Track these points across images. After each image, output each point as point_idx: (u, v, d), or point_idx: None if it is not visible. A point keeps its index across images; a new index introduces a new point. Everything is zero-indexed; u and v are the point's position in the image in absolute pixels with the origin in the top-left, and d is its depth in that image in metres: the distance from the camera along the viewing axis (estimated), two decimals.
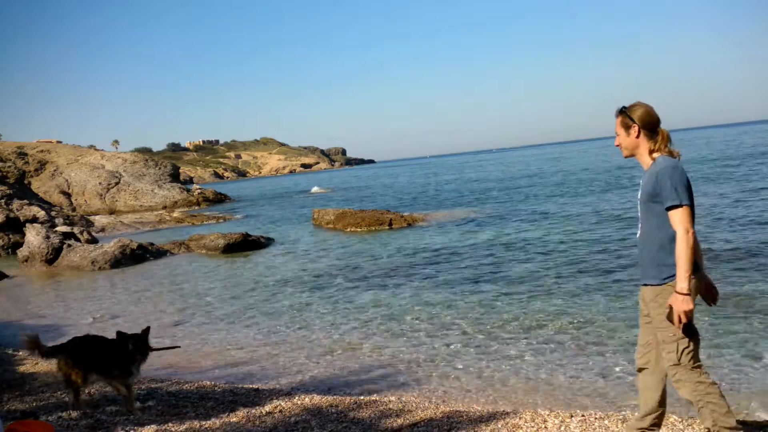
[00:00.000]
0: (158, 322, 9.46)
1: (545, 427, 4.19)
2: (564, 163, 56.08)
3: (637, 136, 3.23)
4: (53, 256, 17.46)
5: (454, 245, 14.44)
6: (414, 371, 6.30)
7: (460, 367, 6.29)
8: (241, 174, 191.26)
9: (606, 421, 4.24)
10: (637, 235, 3.32)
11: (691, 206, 3.07)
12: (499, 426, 4.31)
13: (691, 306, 3.00)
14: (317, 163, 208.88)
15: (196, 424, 4.60)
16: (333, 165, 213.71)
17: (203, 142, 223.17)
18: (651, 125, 3.21)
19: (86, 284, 14.21)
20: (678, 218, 3.02)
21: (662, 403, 3.36)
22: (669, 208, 3.05)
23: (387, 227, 19.18)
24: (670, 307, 3.05)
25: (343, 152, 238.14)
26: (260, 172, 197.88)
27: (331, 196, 43.95)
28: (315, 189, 54.57)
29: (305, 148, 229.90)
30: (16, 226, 23.22)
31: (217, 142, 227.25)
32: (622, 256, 10.91)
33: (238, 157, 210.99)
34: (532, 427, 4.22)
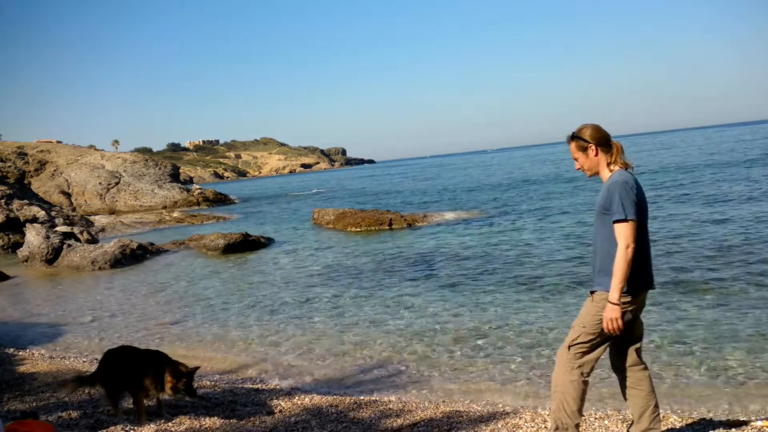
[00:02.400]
0: (158, 321, 9.47)
1: (545, 427, 4.18)
2: (563, 164, 56.11)
3: (596, 155, 3.39)
4: (53, 256, 17.46)
5: (455, 245, 14.43)
6: (414, 371, 6.30)
7: (460, 367, 6.29)
8: (241, 174, 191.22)
9: (606, 421, 4.24)
10: (592, 245, 3.49)
11: (641, 221, 3.23)
12: (499, 426, 4.31)
13: (617, 315, 3.15)
14: (317, 163, 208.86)
15: (195, 423, 4.60)
16: (333, 165, 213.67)
17: (203, 142, 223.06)
18: (604, 141, 3.39)
19: (86, 284, 14.21)
20: (621, 232, 3.17)
21: (648, 397, 3.40)
22: (615, 222, 3.20)
23: (387, 227, 19.18)
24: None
25: (343, 152, 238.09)
26: (260, 172, 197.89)
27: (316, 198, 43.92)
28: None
29: (305, 148, 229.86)
30: (16, 226, 23.21)
31: (217, 142, 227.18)
32: None
33: (238, 157, 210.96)
34: (532, 427, 4.22)
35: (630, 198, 3.18)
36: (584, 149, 3.40)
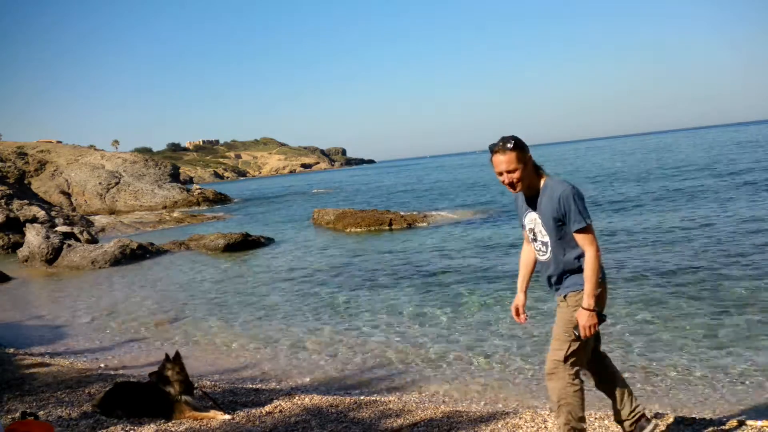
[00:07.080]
0: (157, 321, 9.46)
1: (545, 427, 4.18)
2: (558, 164, 56.14)
3: (532, 165, 3.28)
4: (53, 256, 17.47)
5: (455, 246, 14.43)
6: (414, 371, 6.30)
7: (460, 367, 6.29)
8: (241, 174, 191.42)
9: (606, 421, 4.23)
10: (542, 258, 3.45)
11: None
12: (499, 426, 4.31)
13: (594, 321, 3.18)
14: (317, 163, 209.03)
15: (195, 423, 4.60)
16: (333, 165, 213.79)
17: (203, 142, 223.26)
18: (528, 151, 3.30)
19: (86, 284, 14.21)
20: (588, 239, 3.18)
21: (622, 382, 3.54)
22: (578, 231, 3.18)
23: (387, 227, 19.18)
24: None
25: (343, 152, 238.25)
26: (260, 172, 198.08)
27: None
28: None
29: (305, 148, 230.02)
30: (16, 226, 23.23)
31: (217, 142, 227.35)
32: (624, 258, 10.93)
33: (238, 157, 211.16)
34: (532, 427, 4.22)
35: (584, 202, 3.20)
36: (525, 162, 3.21)
